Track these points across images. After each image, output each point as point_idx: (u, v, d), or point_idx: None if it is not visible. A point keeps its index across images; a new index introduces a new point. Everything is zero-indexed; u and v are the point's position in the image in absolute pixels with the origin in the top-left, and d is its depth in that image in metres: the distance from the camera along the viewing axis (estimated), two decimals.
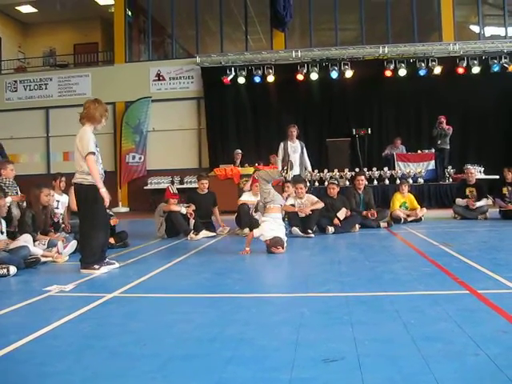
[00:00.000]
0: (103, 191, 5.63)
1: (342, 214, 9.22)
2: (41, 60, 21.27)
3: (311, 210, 8.85)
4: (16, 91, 19.42)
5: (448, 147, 15.12)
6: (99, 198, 5.68)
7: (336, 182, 10.30)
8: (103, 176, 5.85)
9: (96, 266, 5.75)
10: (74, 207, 8.41)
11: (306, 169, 12.19)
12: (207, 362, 2.76)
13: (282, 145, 11.88)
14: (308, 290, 4.60)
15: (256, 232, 6.99)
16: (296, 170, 11.67)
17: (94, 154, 5.63)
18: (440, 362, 2.65)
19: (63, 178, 8.44)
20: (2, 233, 6.24)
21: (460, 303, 3.85)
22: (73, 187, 6.12)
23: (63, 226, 7.90)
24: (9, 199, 7.24)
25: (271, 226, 6.95)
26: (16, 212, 7.20)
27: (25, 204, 7.63)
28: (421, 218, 10.76)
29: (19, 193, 7.73)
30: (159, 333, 3.37)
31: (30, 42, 22.16)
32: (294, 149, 11.71)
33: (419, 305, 3.84)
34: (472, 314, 3.54)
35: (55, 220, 7.74)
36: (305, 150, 11.89)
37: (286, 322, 3.48)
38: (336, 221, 9.17)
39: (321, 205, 9.01)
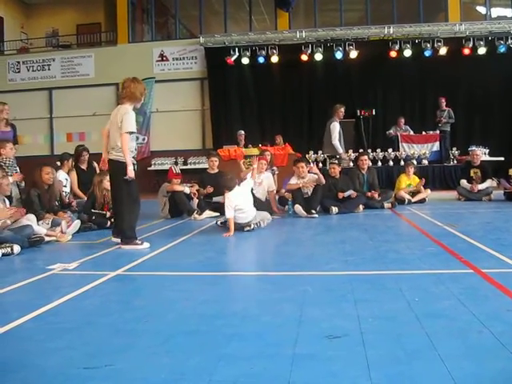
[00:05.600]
0: (130, 169, 5.91)
1: (349, 192, 9.18)
2: (43, 41, 21.10)
3: (315, 185, 8.82)
4: (19, 72, 19.31)
5: (449, 129, 15.02)
6: (134, 174, 5.98)
7: (336, 161, 10.26)
8: (135, 152, 6.23)
9: (138, 242, 5.91)
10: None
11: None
12: (210, 338, 2.76)
13: (337, 126, 11.62)
14: (312, 268, 4.60)
15: (227, 212, 6.89)
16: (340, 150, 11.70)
17: (131, 133, 5.90)
18: (443, 338, 2.64)
19: (71, 158, 8.59)
20: None
21: (464, 282, 3.84)
22: None
23: (72, 204, 7.96)
24: (10, 179, 7.24)
25: (237, 191, 6.97)
26: (14, 191, 7.20)
27: (23, 184, 7.65)
28: (425, 200, 10.75)
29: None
30: (162, 310, 3.37)
31: (32, 22, 21.96)
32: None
33: (423, 283, 3.83)
34: (476, 293, 3.53)
35: (66, 201, 7.81)
36: None
37: (290, 300, 3.47)
38: (340, 194, 9.15)
39: (323, 179, 8.96)
